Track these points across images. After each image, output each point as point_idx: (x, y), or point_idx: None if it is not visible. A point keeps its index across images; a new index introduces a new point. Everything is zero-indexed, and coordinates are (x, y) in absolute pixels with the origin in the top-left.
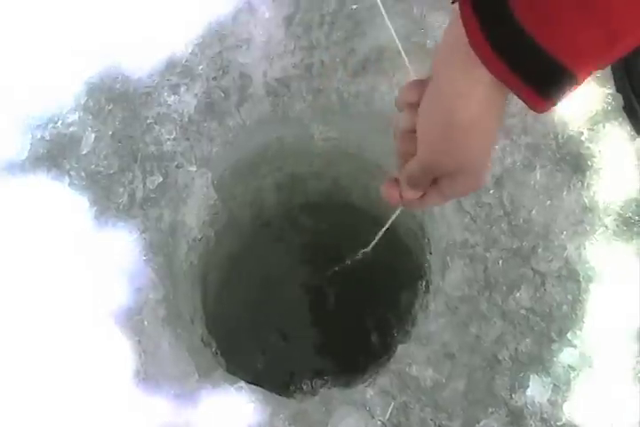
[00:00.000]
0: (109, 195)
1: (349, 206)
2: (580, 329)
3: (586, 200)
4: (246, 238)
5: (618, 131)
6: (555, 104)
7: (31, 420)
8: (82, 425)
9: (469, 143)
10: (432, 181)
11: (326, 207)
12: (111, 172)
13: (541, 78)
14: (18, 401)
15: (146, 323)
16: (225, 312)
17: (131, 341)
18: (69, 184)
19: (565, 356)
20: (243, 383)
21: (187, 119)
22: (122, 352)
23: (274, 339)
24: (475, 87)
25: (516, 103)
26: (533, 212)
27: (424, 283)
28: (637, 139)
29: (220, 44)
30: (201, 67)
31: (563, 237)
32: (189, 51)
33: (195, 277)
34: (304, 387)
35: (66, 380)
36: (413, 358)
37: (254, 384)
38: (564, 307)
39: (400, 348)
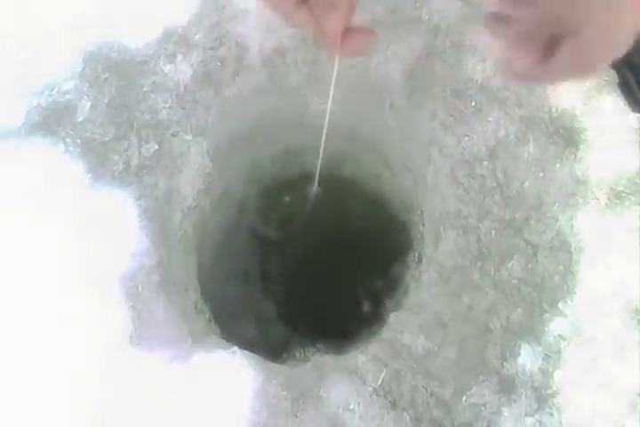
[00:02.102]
0: (105, 162)
1: (342, 180)
2: (571, 299)
3: (578, 173)
4: (241, 209)
5: (611, 106)
6: None
7: (24, 385)
8: (77, 388)
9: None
10: (545, 47)
11: (320, 180)
12: (107, 139)
13: None
14: (12, 366)
15: (140, 288)
16: (219, 280)
17: (125, 305)
18: (65, 151)
19: (556, 325)
20: (236, 349)
21: (183, 88)
22: (116, 317)
23: (267, 307)
24: None
25: None
26: (526, 184)
27: (417, 254)
28: (630, 114)
29: (217, 14)
30: (198, 36)
31: (555, 208)
32: (186, 20)
33: (189, 244)
34: (297, 354)
35: (60, 343)
36: (405, 327)
37: (248, 351)
38: (556, 277)
39: (392, 316)
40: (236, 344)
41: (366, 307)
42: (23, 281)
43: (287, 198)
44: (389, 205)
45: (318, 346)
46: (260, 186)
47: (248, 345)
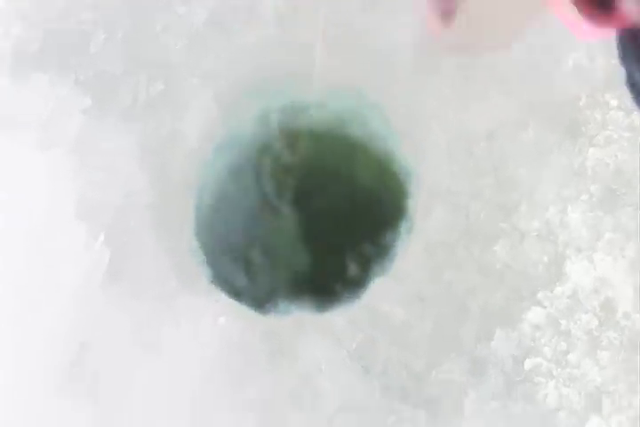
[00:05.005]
0: (113, 96)
1: (348, 139)
2: (551, 291)
3: (575, 165)
4: (244, 157)
5: (616, 102)
6: None
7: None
8: (56, 320)
9: None
10: None
11: (326, 137)
12: (117, 73)
13: None
14: None
15: (131, 225)
16: (215, 226)
17: (115, 242)
18: (75, 81)
19: (533, 315)
20: (221, 295)
21: (195, 31)
22: (104, 253)
23: (258, 257)
24: None
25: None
26: (521, 169)
27: (406, 224)
28: (634, 112)
29: None
30: None
31: (547, 198)
32: None
33: (189, 186)
34: (280, 306)
35: (40, 274)
36: (386, 296)
37: (233, 298)
38: (539, 267)
39: (375, 283)
40: (222, 290)
41: (353, 270)
42: (12, 206)
43: (290, 152)
44: (389, 171)
45: (301, 300)
46: (265, 137)
47: (234, 293)
